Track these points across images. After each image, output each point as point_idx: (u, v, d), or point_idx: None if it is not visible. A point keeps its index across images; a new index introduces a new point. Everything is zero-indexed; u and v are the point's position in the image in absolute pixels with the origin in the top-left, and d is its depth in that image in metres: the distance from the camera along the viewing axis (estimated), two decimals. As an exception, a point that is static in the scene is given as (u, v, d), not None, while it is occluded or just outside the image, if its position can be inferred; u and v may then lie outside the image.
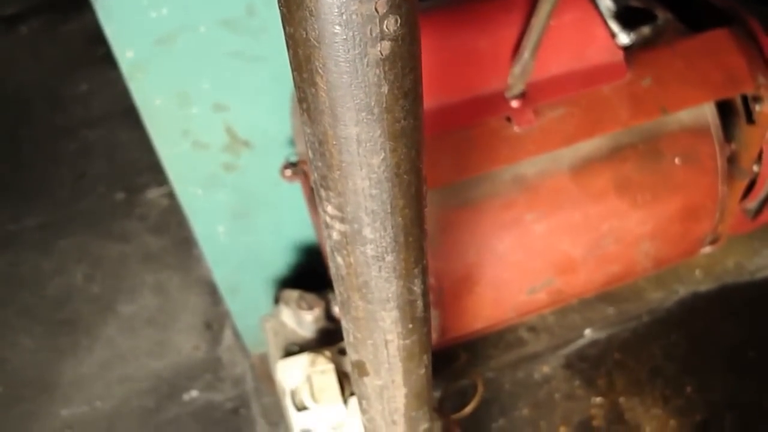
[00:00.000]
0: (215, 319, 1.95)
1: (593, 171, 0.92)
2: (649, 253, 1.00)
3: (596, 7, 0.93)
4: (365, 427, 0.74)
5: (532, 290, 0.96)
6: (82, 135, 2.60)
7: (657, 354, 1.62)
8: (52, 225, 2.27)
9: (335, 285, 0.56)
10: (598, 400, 1.56)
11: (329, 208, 0.47)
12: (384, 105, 0.41)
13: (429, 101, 0.84)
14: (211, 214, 1.23)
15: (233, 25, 1.04)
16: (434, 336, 0.96)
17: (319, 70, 0.40)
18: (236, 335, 1.81)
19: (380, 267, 0.50)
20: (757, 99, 1.00)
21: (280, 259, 1.37)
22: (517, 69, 0.82)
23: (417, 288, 0.54)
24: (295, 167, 1.07)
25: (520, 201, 0.89)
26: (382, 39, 0.38)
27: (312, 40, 0.38)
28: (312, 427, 1.03)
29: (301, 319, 1.14)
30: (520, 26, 0.89)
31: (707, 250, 1.14)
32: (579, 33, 0.90)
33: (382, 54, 0.39)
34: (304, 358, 1.09)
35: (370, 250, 0.49)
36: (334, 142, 0.43)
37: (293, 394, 1.07)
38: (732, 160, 1.05)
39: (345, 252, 0.50)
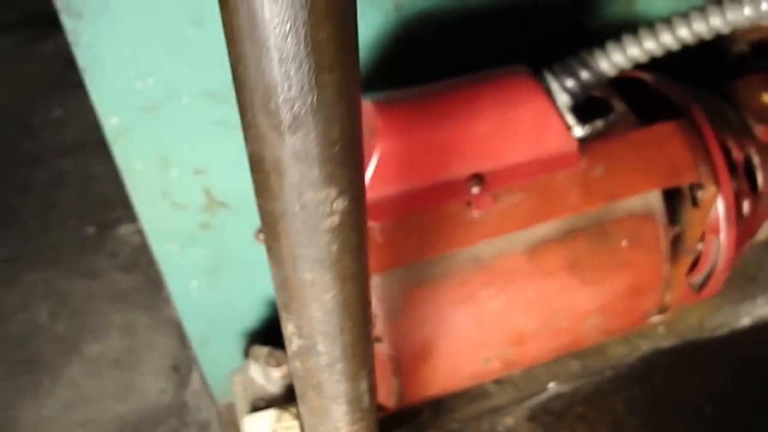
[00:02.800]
0: (183, 363, 1.99)
1: (546, 251, 1.03)
2: (599, 326, 1.10)
3: (553, 101, 1.04)
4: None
5: (487, 360, 1.06)
6: (54, 164, 2.61)
7: (619, 408, 1.70)
8: (18, 258, 2.29)
9: (294, 382, 0.66)
10: (561, 453, 1.63)
11: (289, 327, 0.58)
12: (334, 258, 0.53)
13: (396, 186, 0.95)
14: (186, 269, 1.31)
15: (216, 96, 1.14)
16: (393, 401, 1.05)
17: (282, 233, 0.50)
18: (204, 381, 1.86)
19: (331, 372, 0.61)
20: (700, 186, 1.13)
21: (251, 314, 1.45)
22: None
23: (363, 386, 0.64)
24: (269, 232, 1.16)
25: (476, 279, 0.99)
26: (332, 214, 0.49)
27: (277, 212, 0.49)
28: (276, 484, 1.10)
29: (269, 375, 1.22)
30: (481, 116, 1.00)
31: (656, 319, 1.25)
32: (536, 124, 1.02)
33: (332, 224, 0.50)
34: (270, 414, 1.17)
35: (323, 359, 0.60)
36: (294, 283, 0.54)
37: (259, 450, 1.15)
38: (678, 240, 1.17)
39: (302, 359, 0.61)
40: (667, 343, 1.79)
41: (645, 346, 1.78)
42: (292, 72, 0.43)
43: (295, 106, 0.45)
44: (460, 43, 1.26)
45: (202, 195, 1.23)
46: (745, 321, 1.77)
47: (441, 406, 1.68)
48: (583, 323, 1.09)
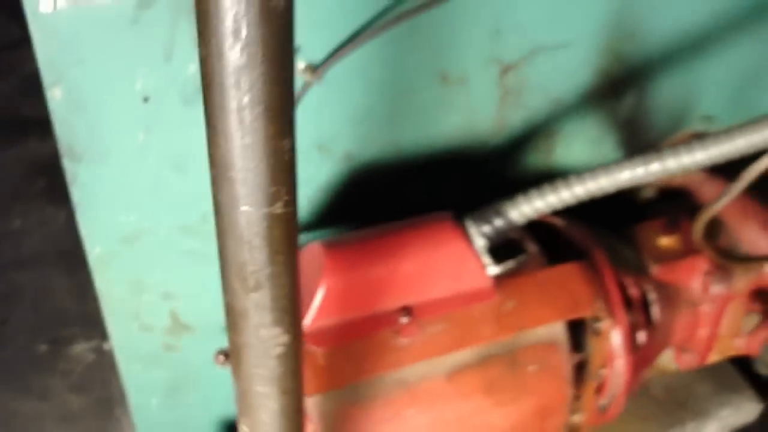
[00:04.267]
0: (129, 489, 1.98)
1: (465, 375, 1.23)
2: (512, 444, 1.28)
3: (471, 244, 1.28)
4: None
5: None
6: (10, 278, 2.54)
7: None
8: (-36, 379, 2.23)
9: None
10: None
11: (244, 428, 0.78)
12: (278, 376, 0.80)
13: (338, 316, 1.16)
14: (147, 388, 1.45)
15: (188, 229, 1.32)
16: None
17: (244, 358, 0.76)
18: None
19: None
20: (598, 318, 1.35)
21: (206, 432, 1.57)
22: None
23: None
24: (228, 356, 1.33)
25: (401, 400, 1.18)
26: (279, 346, 0.75)
27: (241, 343, 0.75)
28: None
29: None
30: (411, 257, 1.23)
31: (571, 439, 1.43)
32: (456, 264, 1.24)
33: (278, 353, 0.74)
34: None
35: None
36: (250, 394, 0.81)
37: None
38: (583, 366, 1.38)
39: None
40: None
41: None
42: (257, 255, 0.70)
43: (258, 275, 0.72)
44: (400, 189, 1.50)
45: (168, 318, 1.40)
46: (675, 447, 1.91)
47: None
48: (499, 442, 1.27)
